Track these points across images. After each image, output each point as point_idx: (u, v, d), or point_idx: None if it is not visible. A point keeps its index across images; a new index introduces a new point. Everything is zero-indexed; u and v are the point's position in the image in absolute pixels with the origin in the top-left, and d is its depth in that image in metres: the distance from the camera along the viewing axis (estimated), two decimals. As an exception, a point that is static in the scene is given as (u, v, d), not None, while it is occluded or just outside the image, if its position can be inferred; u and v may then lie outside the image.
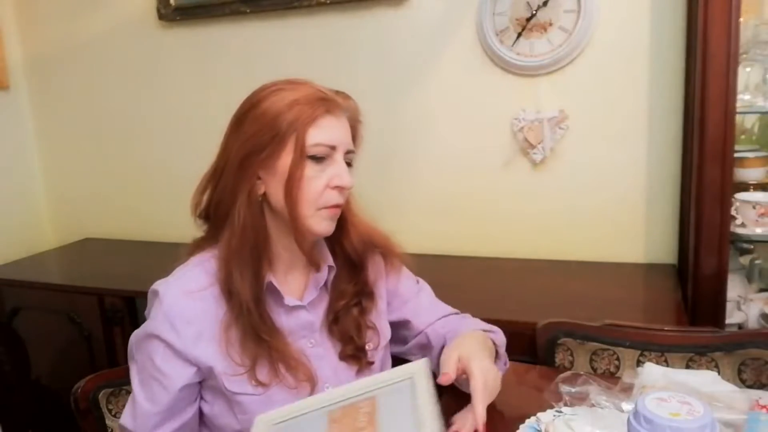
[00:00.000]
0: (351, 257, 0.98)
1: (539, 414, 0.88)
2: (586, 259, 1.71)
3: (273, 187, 0.88)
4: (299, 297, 0.95)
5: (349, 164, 0.92)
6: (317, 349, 0.94)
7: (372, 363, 0.99)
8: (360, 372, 0.98)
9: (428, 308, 1.07)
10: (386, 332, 1.03)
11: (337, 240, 0.97)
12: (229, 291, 0.87)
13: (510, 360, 1.08)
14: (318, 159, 0.87)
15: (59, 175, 2.42)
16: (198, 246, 0.96)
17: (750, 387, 1.01)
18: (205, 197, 0.94)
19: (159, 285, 0.90)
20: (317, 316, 0.96)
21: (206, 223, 0.96)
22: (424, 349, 1.07)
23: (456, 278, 1.65)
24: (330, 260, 0.97)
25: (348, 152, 0.91)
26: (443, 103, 1.80)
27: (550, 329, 1.15)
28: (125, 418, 0.89)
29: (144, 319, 0.90)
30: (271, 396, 0.87)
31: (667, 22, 1.56)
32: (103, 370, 1.06)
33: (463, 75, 1.77)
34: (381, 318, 1.02)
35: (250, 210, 0.88)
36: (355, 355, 0.97)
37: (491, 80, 1.73)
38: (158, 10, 2.04)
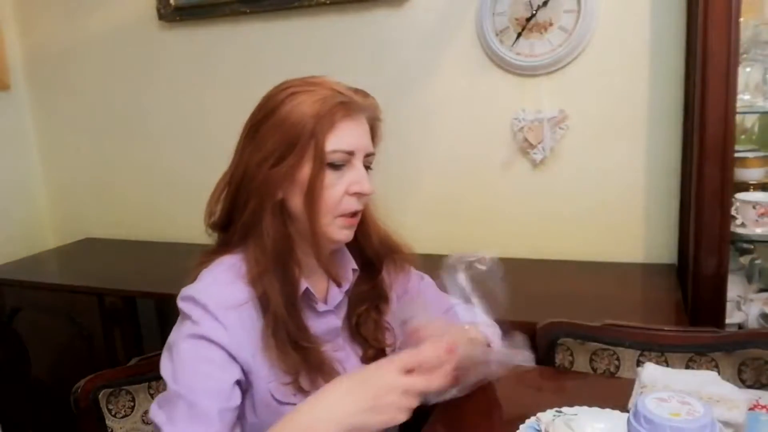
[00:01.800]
0: (371, 260, 0.97)
1: (539, 414, 0.88)
2: (586, 259, 1.71)
3: (292, 194, 0.85)
4: (324, 301, 0.93)
5: (368, 167, 0.89)
6: (339, 353, 0.92)
7: None
8: None
9: (435, 303, 1.08)
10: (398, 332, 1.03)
11: (357, 242, 0.95)
12: (265, 305, 0.84)
13: (510, 360, 1.08)
14: (336, 166, 0.84)
15: (59, 175, 2.42)
16: (212, 254, 0.90)
17: (750, 387, 1.01)
18: (220, 208, 0.90)
19: (190, 289, 0.84)
20: (340, 319, 0.94)
21: (221, 233, 0.92)
22: None
23: (456, 278, 1.65)
24: (353, 263, 0.95)
25: (367, 155, 0.88)
26: (443, 103, 1.80)
27: (550, 329, 1.15)
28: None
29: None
30: None
31: (667, 22, 1.56)
32: (103, 370, 1.06)
33: (463, 75, 1.77)
34: (394, 318, 1.02)
35: (276, 222, 0.85)
36: (376, 357, 0.95)
37: (491, 80, 1.73)
38: (158, 10, 2.04)
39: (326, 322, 0.92)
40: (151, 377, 1.08)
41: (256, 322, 0.84)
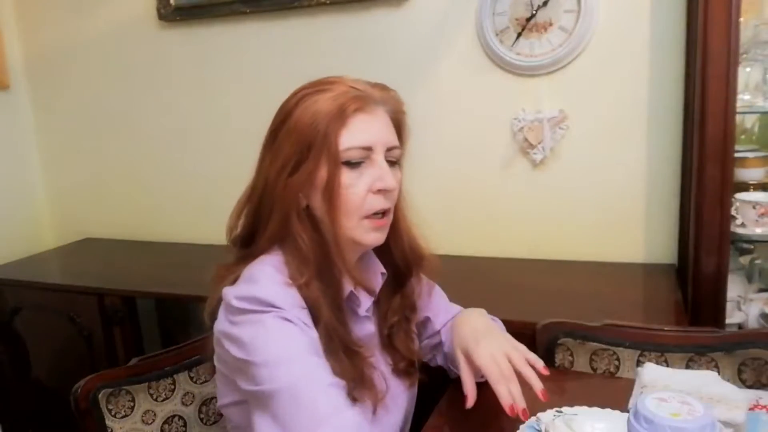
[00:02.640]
0: (400, 266, 0.93)
1: (539, 414, 0.88)
2: (586, 259, 1.71)
3: (315, 200, 0.82)
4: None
5: (394, 162, 0.86)
6: (372, 358, 0.89)
7: (420, 377, 0.98)
8: (412, 387, 0.96)
9: (443, 309, 1.07)
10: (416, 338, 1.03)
11: (387, 245, 0.90)
12: (316, 316, 0.80)
13: (510, 360, 1.08)
14: (354, 164, 0.80)
15: (59, 174, 2.42)
16: (233, 267, 0.86)
17: (750, 387, 1.01)
18: (243, 222, 0.87)
19: (249, 289, 0.78)
20: (375, 325, 0.93)
21: (242, 248, 0.88)
22: (435, 349, 1.08)
23: (456, 278, 1.64)
24: (381, 267, 0.93)
25: (390, 149, 0.84)
26: (443, 103, 1.80)
27: (550, 329, 1.15)
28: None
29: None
30: (361, 409, 0.83)
31: (667, 22, 1.56)
32: (103, 370, 1.06)
33: (463, 75, 1.77)
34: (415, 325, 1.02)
35: (307, 230, 0.82)
36: (407, 370, 0.94)
37: (491, 80, 1.73)
38: (158, 10, 2.04)
39: (364, 328, 0.90)
40: (151, 377, 1.08)
41: (312, 328, 0.80)
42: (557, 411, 0.89)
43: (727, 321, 1.40)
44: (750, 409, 0.85)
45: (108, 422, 1.03)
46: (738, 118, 1.32)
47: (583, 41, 1.62)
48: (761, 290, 1.52)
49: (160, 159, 2.21)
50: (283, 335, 0.75)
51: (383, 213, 0.84)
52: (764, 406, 0.87)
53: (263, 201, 0.84)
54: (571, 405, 0.89)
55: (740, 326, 1.45)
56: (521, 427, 0.86)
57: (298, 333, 0.76)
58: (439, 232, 1.83)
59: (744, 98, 1.37)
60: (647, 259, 1.68)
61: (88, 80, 2.26)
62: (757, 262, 1.55)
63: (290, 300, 0.79)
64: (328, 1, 1.84)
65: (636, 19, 1.59)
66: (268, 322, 0.76)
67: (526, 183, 1.76)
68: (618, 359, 1.11)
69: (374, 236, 0.84)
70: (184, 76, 2.11)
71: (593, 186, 1.70)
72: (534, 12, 1.64)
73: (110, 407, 1.03)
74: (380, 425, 0.89)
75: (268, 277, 0.81)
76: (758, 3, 1.42)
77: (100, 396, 1.02)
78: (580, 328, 1.14)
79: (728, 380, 0.96)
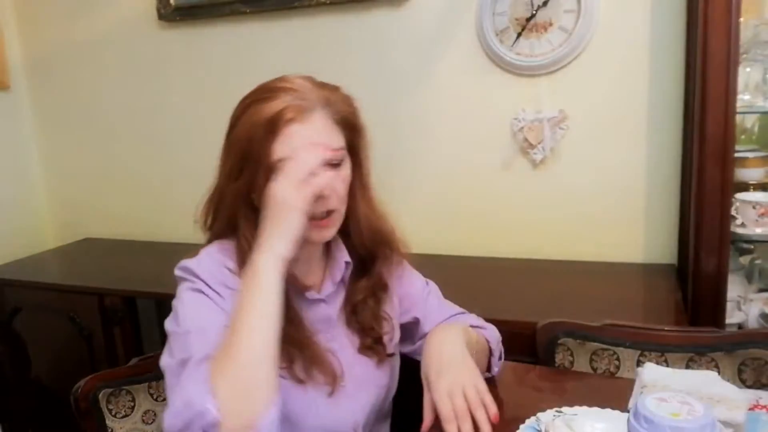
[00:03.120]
0: (363, 254, 0.97)
1: (539, 414, 0.88)
2: (586, 259, 1.71)
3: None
4: (317, 291, 0.95)
5: (337, 164, 0.86)
6: (333, 343, 0.94)
7: (392, 354, 1.00)
8: (380, 364, 0.97)
9: (437, 310, 1.07)
10: (398, 327, 1.03)
11: (348, 234, 0.95)
12: None
13: (510, 360, 1.08)
14: None
15: (59, 175, 2.42)
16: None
17: (750, 387, 1.01)
18: (210, 218, 0.95)
19: (188, 261, 0.89)
20: (334, 309, 0.96)
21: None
22: None
23: (456, 278, 1.65)
24: (347, 256, 0.96)
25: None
26: (443, 103, 1.80)
27: (550, 329, 1.15)
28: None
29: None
30: (307, 391, 0.88)
31: (667, 22, 1.56)
32: (103, 370, 1.06)
33: (463, 75, 1.77)
34: (394, 312, 1.03)
35: (251, 230, 0.85)
36: (373, 347, 0.97)
37: (491, 80, 1.73)
38: (158, 10, 2.04)
39: (318, 311, 0.93)
40: (151, 377, 1.09)
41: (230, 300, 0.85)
42: (557, 411, 0.89)
43: (727, 321, 1.40)
44: (750, 409, 0.85)
45: (108, 422, 1.03)
46: (738, 118, 1.32)
47: (583, 41, 1.62)
48: (761, 290, 1.52)
49: (160, 159, 2.21)
50: (193, 307, 0.84)
51: (327, 213, 0.87)
52: (764, 406, 0.88)
53: (218, 204, 0.92)
54: (571, 405, 0.89)
55: (740, 326, 1.45)
56: (521, 427, 0.86)
57: (207, 305, 0.84)
58: (439, 232, 1.85)
59: (744, 98, 1.37)
60: (647, 259, 1.68)
61: (88, 80, 2.26)
62: (757, 262, 1.55)
63: (218, 275, 0.87)
64: (328, 1, 1.84)
65: (636, 19, 1.59)
66: (184, 295, 0.86)
67: (526, 183, 1.76)
68: (618, 359, 1.12)
69: (319, 235, 0.88)
70: (184, 76, 2.11)
71: (593, 186, 1.70)
72: (534, 12, 1.64)
73: (110, 407, 1.04)
74: (338, 406, 0.91)
75: (207, 254, 0.90)
76: (758, 3, 1.42)
77: (100, 396, 1.02)
78: (580, 328, 1.14)
79: (728, 380, 0.96)
